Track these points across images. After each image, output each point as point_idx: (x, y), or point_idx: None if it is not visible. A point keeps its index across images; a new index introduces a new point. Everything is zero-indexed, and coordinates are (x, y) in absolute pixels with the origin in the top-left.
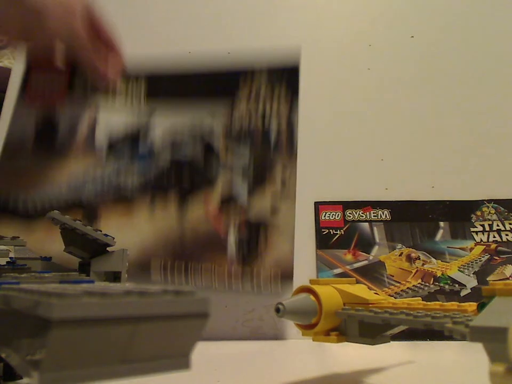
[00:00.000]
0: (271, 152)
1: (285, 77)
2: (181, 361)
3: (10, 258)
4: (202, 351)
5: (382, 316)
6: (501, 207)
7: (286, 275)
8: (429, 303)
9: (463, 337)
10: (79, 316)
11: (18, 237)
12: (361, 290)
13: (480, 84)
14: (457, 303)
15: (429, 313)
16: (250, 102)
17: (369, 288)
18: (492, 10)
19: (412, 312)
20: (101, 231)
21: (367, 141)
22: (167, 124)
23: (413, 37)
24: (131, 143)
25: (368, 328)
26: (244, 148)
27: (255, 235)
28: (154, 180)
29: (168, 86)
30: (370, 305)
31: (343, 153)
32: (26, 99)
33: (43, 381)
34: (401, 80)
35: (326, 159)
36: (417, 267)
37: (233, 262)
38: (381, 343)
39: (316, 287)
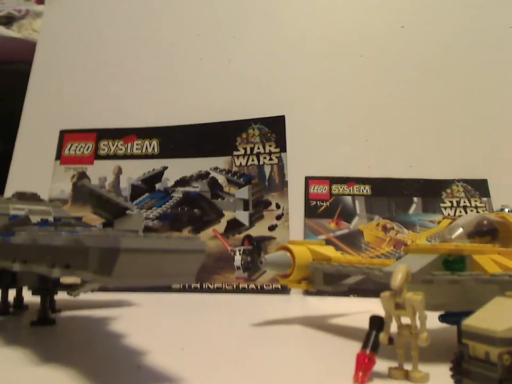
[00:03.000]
0: (266, 184)
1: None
2: (189, 277)
3: (55, 217)
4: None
5: (337, 268)
6: (469, 186)
7: None
8: (374, 260)
9: (374, 277)
10: (135, 246)
11: (55, 200)
12: (328, 250)
13: (455, 72)
14: (395, 260)
15: (369, 266)
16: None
17: (346, 252)
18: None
19: (358, 266)
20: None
21: (354, 123)
22: (178, 167)
23: (403, 27)
24: (149, 183)
25: (330, 278)
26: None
27: (256, 246)
28: (171, 210)
29: (177, 139)
30: (332, 261)
31: (332, 134)
32: (61, 161)
33: (114, 281)
34: (387, 68)
35: (316, 139)
36: (390, 236)
37: (239, 268)
38: (340, 290)
39: (291, 246)
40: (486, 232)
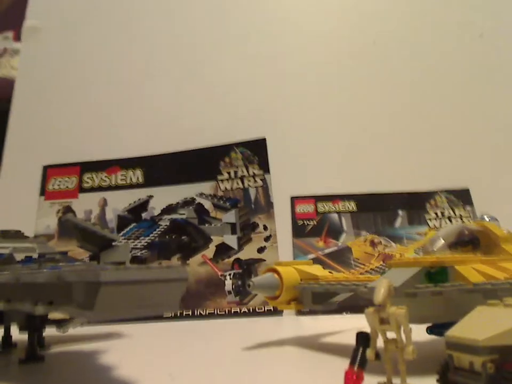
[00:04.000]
0: (252, 207)
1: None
2: (173, 306)
3: (39, 254)
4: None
5: (325, 286)
6: (452, 196)
7: None
8: (360, 276)
9: (360, 294)
10: (115, 279)
11: (39, 236)
12: (315, 269)
13: (435, 84)
14: (380, 276)
15: (355, 283)
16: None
17: (335, 269)
18: None
19: (344, 283)
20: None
21: (335, 140)
22: (164, 195)
23: (374, 42)
24: (135, 213)
25: (318, 297)
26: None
27: (246, 270)
28: (158, 239)
29: (161, 167)
30: (320, 280)
31: (314, 153)
32: (46, 197)
33: (96, 315)
34: (366, 85)
35: (299, 158)
36: (379, 251)
37: (231, 293)
38: (329, 308)
39: (278, 268)
40: (467, 242)
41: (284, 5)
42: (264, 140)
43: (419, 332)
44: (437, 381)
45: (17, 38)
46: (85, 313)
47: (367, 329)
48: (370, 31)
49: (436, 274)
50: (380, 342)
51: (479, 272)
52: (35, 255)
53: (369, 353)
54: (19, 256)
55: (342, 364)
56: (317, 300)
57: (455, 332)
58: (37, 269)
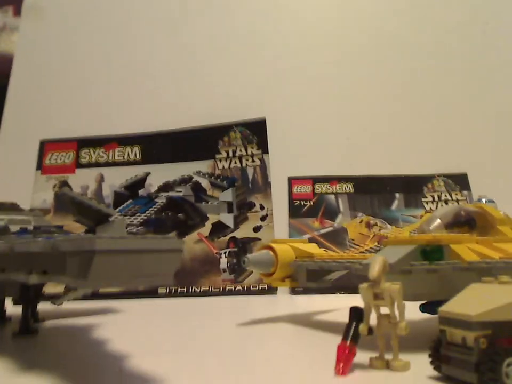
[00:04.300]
0: (249, 186)
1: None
2: (167, 277)
3: (35, 226)
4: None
5: (320, 264)
6: (449, 180)
7: None
8: (356, 255)
9: (352, 270)
10: (110, 248)
11: (35, 209)
12: (310, 247)
13: (433, 69)
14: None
15: (350, 260)
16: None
17: (330, 249)
18: None
19: (339, 261)
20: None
21: (334, 122)
22: (161, 172)
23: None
24: (132, 189)
25: (313, 274)
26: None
27: (242, 248)
28: (155, 215)
29: (159, 145)
30: (315, 257)
31: (313, 134)
32: (42, 171)
33: (91, 283)
34: (364, 68)
35: (298, 139)
36: (374, 232)
37: (226, 271)
38: (323, 286)
39: (274, 245)
40: (463, 223)
41: None
42: (264, 121)
43: (412, 310)
44: (429, 356)
45: (17, 13)
46: (79, 282)
47: (356, 305)
48: (374, 19)
49: (432, 252)
50: (373, 318)
51: (474, 251)
52: (30, 227)
53: (362, 328)
54: (14, 228)
55: (335, 340)
56: (311, 277)
57: (448, 307)
58: (32, 239)
